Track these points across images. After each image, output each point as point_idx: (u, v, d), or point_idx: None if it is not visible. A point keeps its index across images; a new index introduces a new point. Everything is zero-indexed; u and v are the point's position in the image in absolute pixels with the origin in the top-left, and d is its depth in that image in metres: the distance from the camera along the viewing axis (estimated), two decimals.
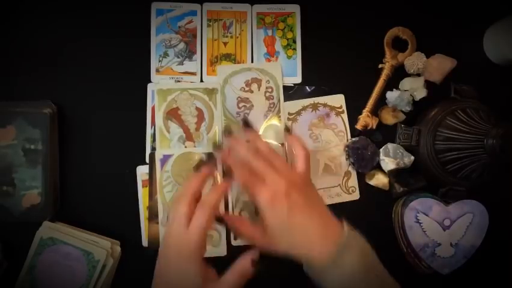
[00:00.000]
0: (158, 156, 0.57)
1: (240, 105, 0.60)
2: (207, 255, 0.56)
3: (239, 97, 0.60)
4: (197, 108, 0.59)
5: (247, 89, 0.60)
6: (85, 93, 0.59)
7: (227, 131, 0.53)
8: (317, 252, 0.46)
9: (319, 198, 0.50)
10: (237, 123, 0.59)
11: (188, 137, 0.58)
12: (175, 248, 0.45)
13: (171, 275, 0.44)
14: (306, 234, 0.47)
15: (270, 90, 0.60)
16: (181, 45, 0.60)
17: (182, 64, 0.60)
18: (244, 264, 0.46)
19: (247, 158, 0.49)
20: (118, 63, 0.59)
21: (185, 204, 0.45)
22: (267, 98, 0.60)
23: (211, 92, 0.59)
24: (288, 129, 0.56)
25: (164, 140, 0.58)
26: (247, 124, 0.53)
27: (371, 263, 0.46)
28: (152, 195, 0.57)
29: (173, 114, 0.58)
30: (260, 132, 0.59)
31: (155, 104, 0.58)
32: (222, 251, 0.57)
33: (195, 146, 0.58)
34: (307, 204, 0.47)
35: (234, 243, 0.58)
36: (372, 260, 0.47)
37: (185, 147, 0.58)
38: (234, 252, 0.58)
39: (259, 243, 0.49)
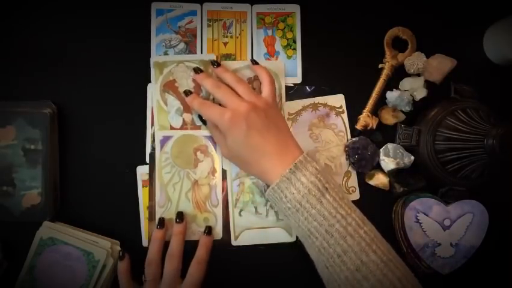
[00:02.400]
0: (158, 137, 0.58)
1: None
2: None
3: None
4: (193, 81, 0.59)
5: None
6: (85, 93, 0.59)
7: (196, 70, 0.57)
8: (271, 171, 0.49)
9: (281, 123, 0.53)
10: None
11: (186, 108, 0.58)
12: None
13: None
14: (262, 153, 0.50)
15: None
16: (181, 45, 0.60)
17: None
18: None
19: (212, 88, 0.54)
20: (118, 63, 0.59)
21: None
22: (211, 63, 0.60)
23: (207, 64, 0.59)
24: (254, 61, 0.58)
25: (162, 113, 0.58)
26: (216, 63, 0.57)
27: (329, 186, 0.48)
28: (152, 195, 0.57)
29: (170, 86, 0.58)
30: None
31: (152, 77, 0.59)
32: (217, 234, 0.58)
33: (192, 119, 0.58)
34: (266, 125, 0.51)
35: (234, 243, 0.58)
36: (331, 184, 0.48)
37: (183, 119, 0.58)
38: (235, 253, 0.58)
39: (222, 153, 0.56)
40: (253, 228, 0.58)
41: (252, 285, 0.59)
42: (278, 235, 0.58)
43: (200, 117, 0.57)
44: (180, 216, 0.56)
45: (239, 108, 0.51)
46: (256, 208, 0.58)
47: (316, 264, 0.49)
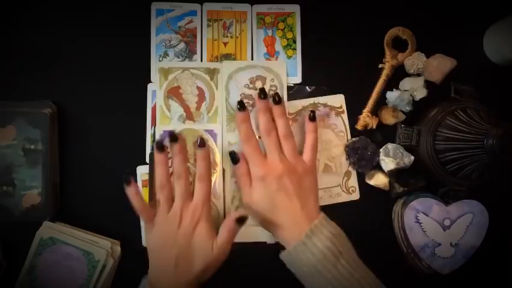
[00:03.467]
0: (158, 131, 0.58)
1: (244, 101, 0.59)
2: None
3: (242, 93, 0.60)
4: (198, 88, 0.59)
5: (251, 86, 0.60)
6: (85, 93, 0.59)
7: (262, 93, 0.55)
8: (288, 233, 0.51)
9: (312, 189, 0.54)
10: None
11: (189, 116, 0.59)
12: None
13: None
14: (283, 215, 0.51)
15: (274, 88, 0.60)
16: (181, 45, 0.60)
17: None
18: (229, 223, 0.52)
19: (263, 132, 0.54)
20: (118, 63, 0.59)
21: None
22: (271, 96, 0.60)
23: (212, 71, 0.59)
24: (313, 117, 0.57)
25: (165, 119, 0.58)
26: (278, 99, 0.55)
27: (343, 250, 0.49)
28: (152, 195, 0.57)
29: (174, 93, 0.59)
30: None
31: (157, 82, 0.59)
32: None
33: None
34: (297, 192, 0.52)
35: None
36: (345, 248, 0.49)
37: None
38: (234, 253, 0.58)
39: (245, 203, 0.55)
40: (248, 226, 0.58)
41: (252, 285, 0.59)
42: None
43: (232, 155, 0.55)
44: (173, 136, 0.53)
45: (276, 168, 0.52)
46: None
47: None
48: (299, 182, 0.52)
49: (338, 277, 0.47)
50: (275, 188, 0.52)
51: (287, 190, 0.52)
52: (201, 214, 0.52)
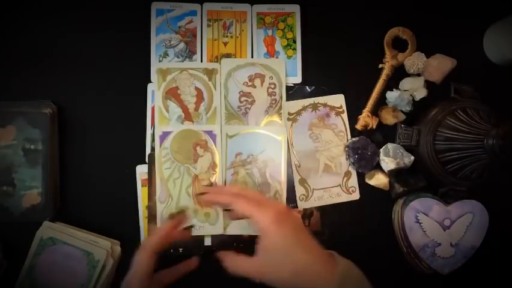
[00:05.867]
0: (157, 132, 0.58)
1: (242, 99, 0.60)
2: (205, 233, 0.57)
3: (241, 91, 0.60)
4: (196, 88, 0.59)
5: (250, 83, 0.60)
6: (85, 93, 0.59)
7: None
8: (323, 279, 0.43)
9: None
10: (238, 117, 0.59)
11: (187, 116, 0.58)
12: None
13: None
14: (310, 255, 0.45)
15: (272, 86, 0.60)
16: (181, 45, 0.60)
17: None
18: None
19: (239, 193, 0.49)
20: (118, 63, 0.59)
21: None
22: (269, 94, 0.60)
23: (210, 72, 0.59)
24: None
25: (163, 119, 0.58)
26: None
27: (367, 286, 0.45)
28: (151, 195, 0.57)
29: (172, 93, 0.59)
30: (261, 125, 0.59)
31: (155, 83, 0.59)
32: (219, 229, 0.57)
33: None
34: (304, 228, 0.47)
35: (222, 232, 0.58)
36: (366, 283, 0.45)
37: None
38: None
39: (256, 274, 0.46)
40: (243, 219, 0.57)
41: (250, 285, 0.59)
42: None
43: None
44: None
45: (280, 208, 0.46)
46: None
47: None
48: (299, 219, 0.49)
49: None
50: (291, 226, 0.45)
51: (300, 225, 0.46)
52: None
